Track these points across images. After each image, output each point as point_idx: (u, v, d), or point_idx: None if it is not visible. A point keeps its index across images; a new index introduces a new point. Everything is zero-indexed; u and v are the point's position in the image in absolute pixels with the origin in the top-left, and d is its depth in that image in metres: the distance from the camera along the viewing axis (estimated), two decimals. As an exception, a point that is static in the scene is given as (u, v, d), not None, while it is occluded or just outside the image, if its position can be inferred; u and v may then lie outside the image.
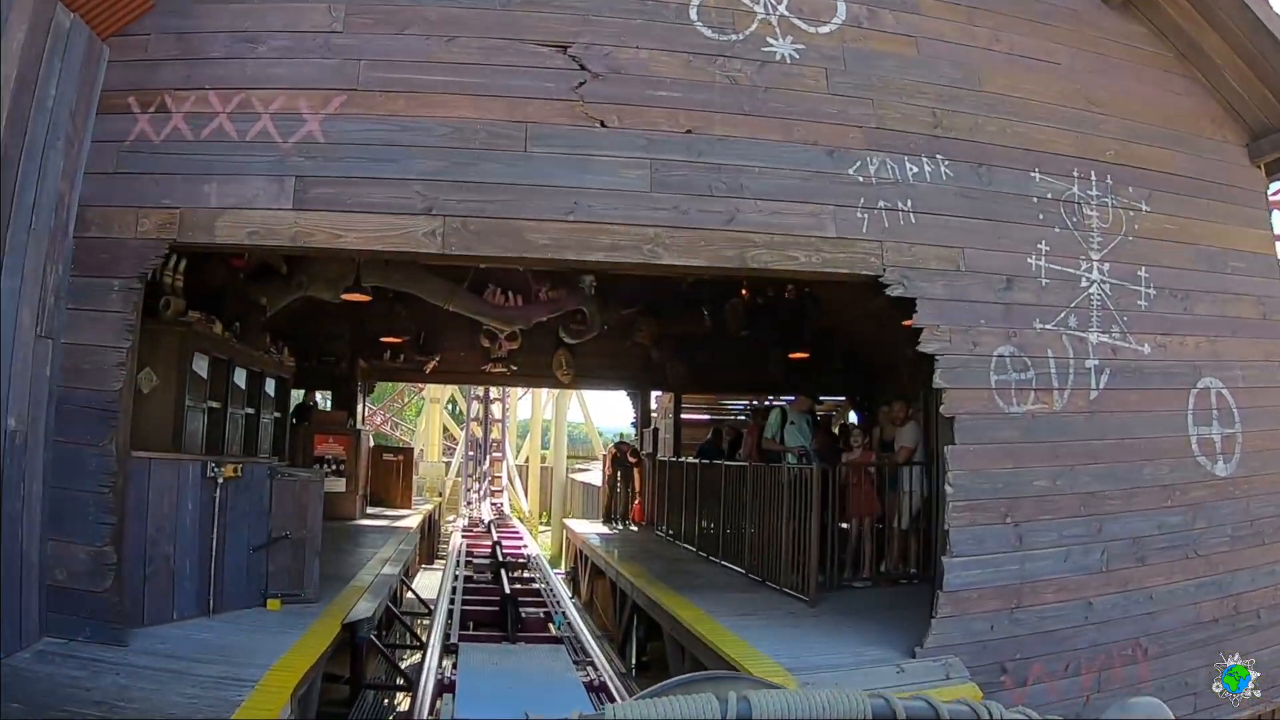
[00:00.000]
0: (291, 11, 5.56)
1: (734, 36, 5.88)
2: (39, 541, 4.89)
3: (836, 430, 11.96)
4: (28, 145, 4.79)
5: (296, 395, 13.78)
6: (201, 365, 7.51)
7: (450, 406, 31.95)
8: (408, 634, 9.69)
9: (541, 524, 26.94)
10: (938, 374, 5.89)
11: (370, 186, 5.30)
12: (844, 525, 8.29)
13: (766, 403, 14.98)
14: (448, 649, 7.26)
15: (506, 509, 27.18)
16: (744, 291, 13.17)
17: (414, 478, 19.10)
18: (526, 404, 31.47)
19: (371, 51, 5.52)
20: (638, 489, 14.78)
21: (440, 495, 25.46)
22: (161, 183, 5.35)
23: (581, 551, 13.83)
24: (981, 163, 6.27)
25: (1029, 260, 6.28)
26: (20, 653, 4.65)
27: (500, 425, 30.73)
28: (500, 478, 30.08)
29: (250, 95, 5.44)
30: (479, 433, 30.52)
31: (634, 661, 9.21)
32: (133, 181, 5.36)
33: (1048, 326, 6.27)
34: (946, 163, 6.18)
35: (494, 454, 30.40)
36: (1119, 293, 6.52)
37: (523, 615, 8.71)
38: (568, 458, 27.88)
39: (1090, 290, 6.46)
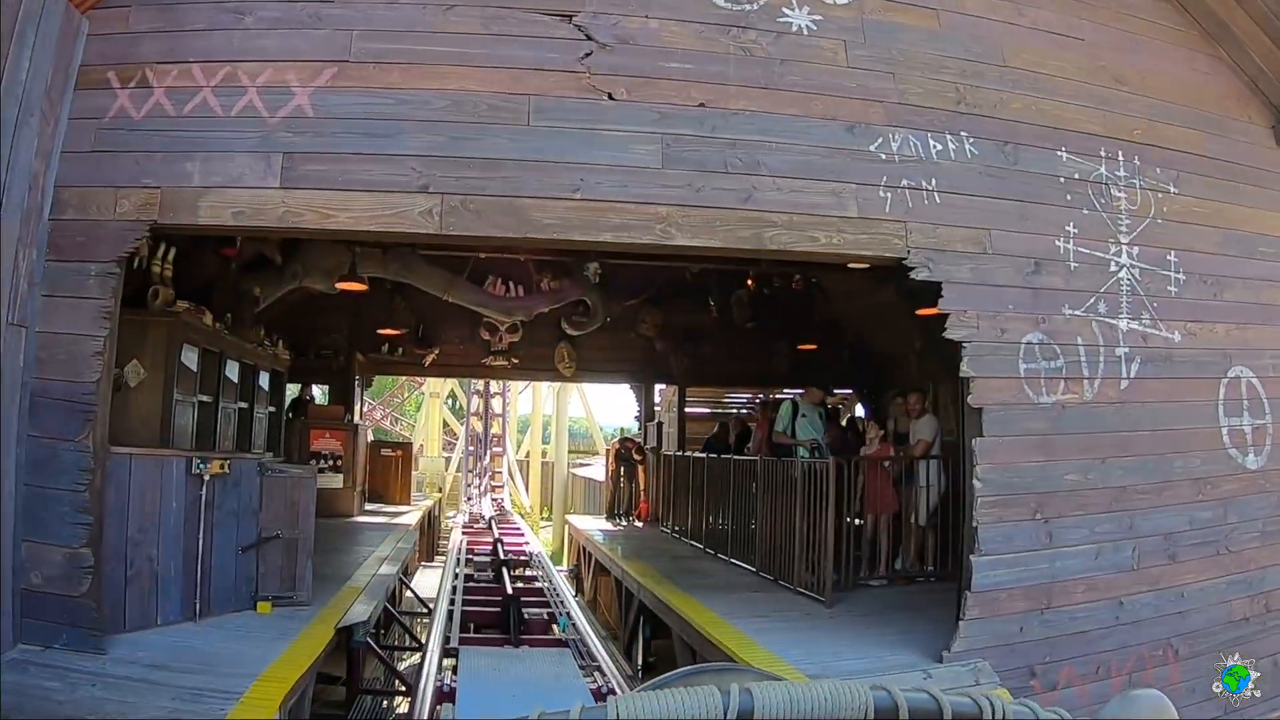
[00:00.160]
0: (280, -21, 5.23)
1: (748, 6, 5.55)
2: (12, 543, 4.58)
3: (844, 423, 11.70)
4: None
5: (292, 390, 13.57)
6: (191, 358, 7.23)
7: (450, 401, 31.73)
8: (406, 635, 9.37)
9: (543, 519, 26.72)
10: (964, 362, 5.59)
11: (363, 163, 4.97)
12: (854, 521, 7.98)
13: (773, 397, 14.82)
14: (447, 653, 6.96)
15: (507, 505, 26.91)
16: (750, 282, 12.93)
17: (413, 473, 18.84)
18: (526, 399, 31.28)
19: (364, 21, 5.19)
20: (642, 485, 14.47)
21: (440, 491, 25.22)
22: (142, 161, 5.05)
23: (585, 548, 13.54)
24: (1007, 141, 5.99)
25: (1057, 243, 6.01)
26: (-9, 661, 4.34)
27: (500, 420, 30.50)
28: (501, 473, 29.89)
29: (236, 68, 5.13)
30: (479, 427, 30.28)
31: (641, 662, 8.91)
32: (111, 160, 5.07)
33: (1077, 312, 5.99)
34: (971, 140, 5.90)
35: (494, 449, 30.18)
36: (1148, 278, 6.26)
37: (526, 617, 8.38)
38: (569, 452, 27.68)
39: (1120, 275, 6.20)
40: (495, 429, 30.47)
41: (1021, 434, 5.71)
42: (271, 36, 5.18)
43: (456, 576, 11.32)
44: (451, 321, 13.67)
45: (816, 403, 8.90)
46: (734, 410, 16.23)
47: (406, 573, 11.01)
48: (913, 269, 5.57)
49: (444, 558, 15.09)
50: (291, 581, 6.11)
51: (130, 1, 5.19)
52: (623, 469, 14.60)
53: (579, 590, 13.26)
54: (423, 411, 30.97)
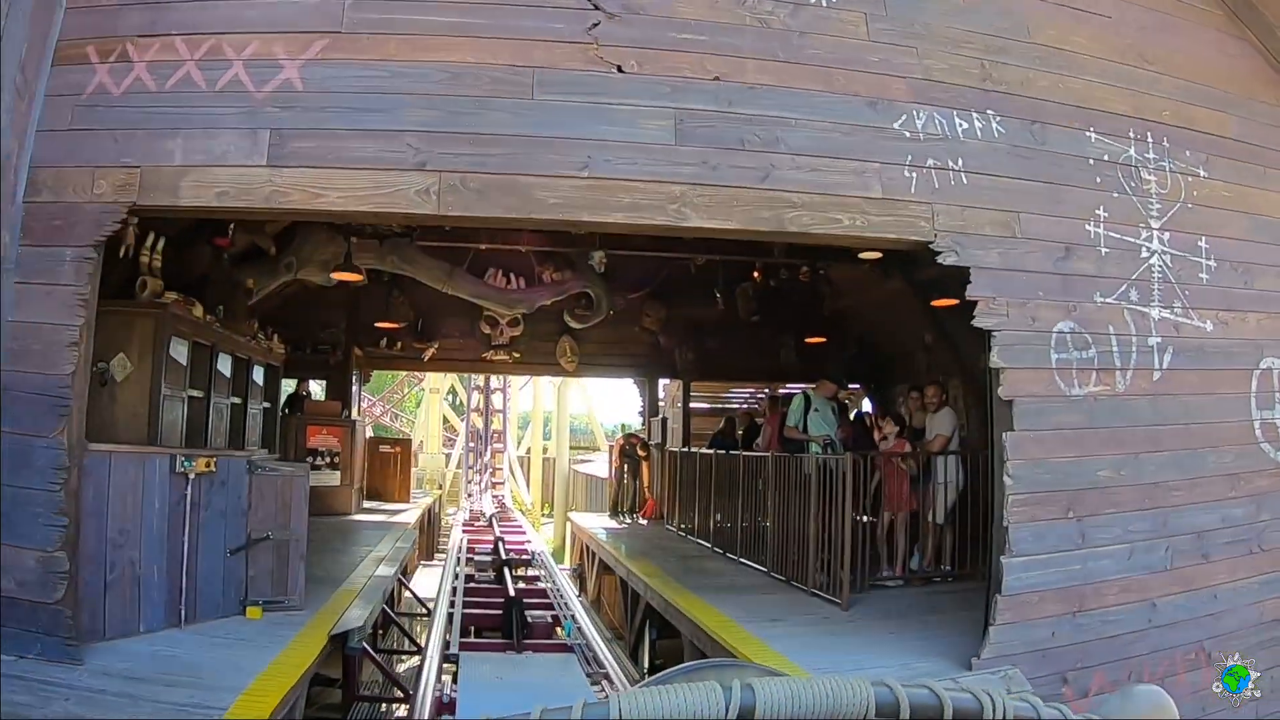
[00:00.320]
0: (268, -53, 4.92)
1: (764, -24, 5.23)
2: (-18, 547, 4.28)
3: (850, 417, 11.41)
4: (-29, 101, 4.20)
5: (289, 385, 13.31)
6: (180, 351, 6.98)
7: (451, 398, 31.49)
8: (405, 638, 9.05)
9: (544, 516, 26.49)
10: (994, 352, 5.30)
11: (356, 140, 4.65)
12: (864, 518, 7.68)
13: (779, 392, 14.58)
14: (447, 659, 6.66)
15: (508, 501, 26.64)
16: (756, 274, 12.69)
17: (413, 470, 18.55)
18: (527, 395, 31.05)
19: (358, -11, 4.88)
20: (646, 482, 14.17)
21: (440, 487, 24.96)
22: (121, 139, 4.76)
23: (588, 547, 13.24)
24: (1034, 120, 5.72)
25: (1087, 227, 5.74)
26: (-41, 674, 4.04)
27: (501, 416, 30.28)
28: (501, 469, 29.67)
29: (221, 41, 4.83)
30: (479, 424, 30.05)
31: (647, 664, 8.62)
32: (89, 139, 4.78)
33: (1109, 300, 5.72)
34: (998, 119, 5.63)
35: (495, 445, 29.97)
36: (1180, 264, 5.99)
37: (528, 620, 8.07)
38: (570, 448, 27.44)
39: (1151, 261, 5.93)
40: (496, 425, 30.26)
41: (1053, 428, 5.43)
42: (259, 6, 4.91)
43: (456, 577, 11.01)
44: (451, 315, 13.41)
45: (830, 396, 8.58)
46: (735, 406, 16.03)
47: (405, 572, 10.71)
48: (940, 254, 5.27)
49: (444, 555, 14.79)
50: (283, 585, 5.80)
51: (111, -28, 4.89)
52: (627, 465, 14.29)
53: (582, 590, 12.97)
54: (423, 408, 30.71)
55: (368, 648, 6.15)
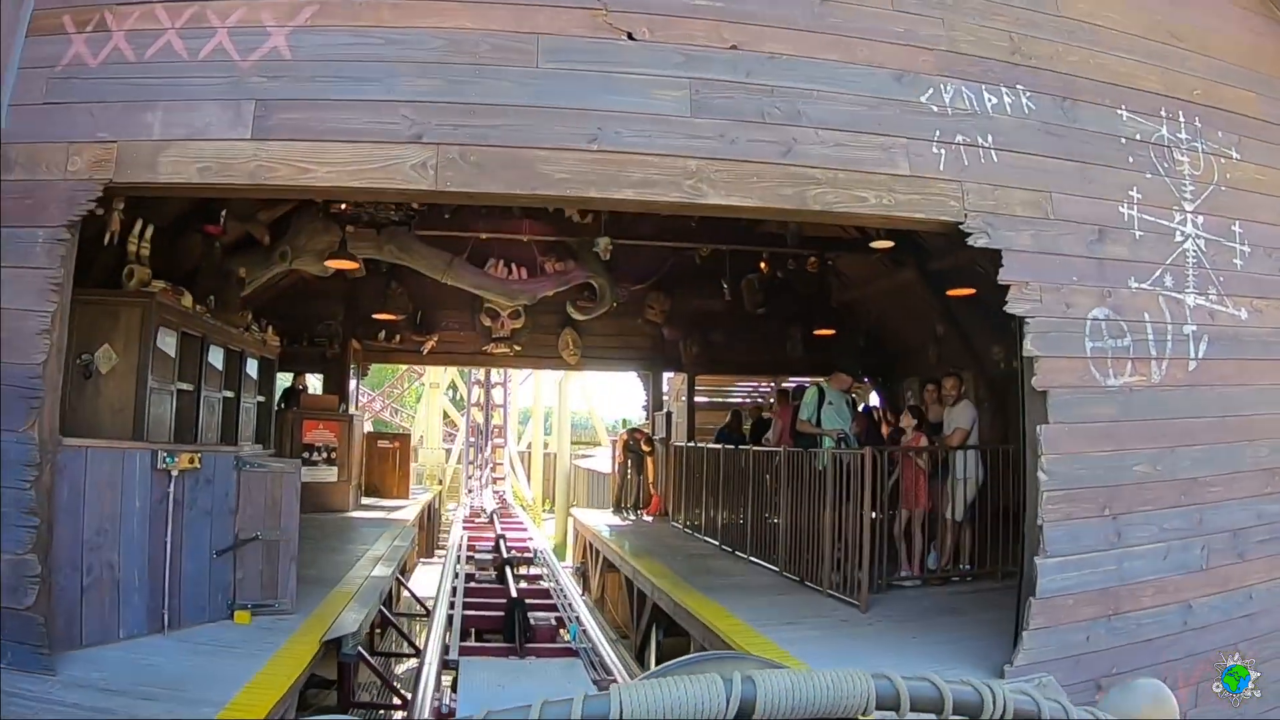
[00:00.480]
0: (254, -94, 4.59)
1: (783, -61, 4.91)
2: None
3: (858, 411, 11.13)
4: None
5: (286, 379, 13.03)
6: (169, 342, 6.70)
7: (451, 392, 31.23)
8: (404, 640, 8.75)
9: (545, 511, 26.23)
10: (1028, 340, 4.99)
11: (347, 110, 4.32)
12: (874, 515, 7.39)
13: (782, 385, 14.32)
14: (446, 665, 6.35)
15: (509, 497, 26.36)
16: (763, 264, 12.44)
17: (412, 465, 18.24)
18: (527, 390, 30.79)
19: (350, -49, 4.56)
20: (651, 478, 13.88)
21: (440, 483, 24.67)
22: (97, 113, 4.45)
23: (591, 544, 12.93)
24: (1065, 96, 5.43)
25: (1120, 209, 5.44)
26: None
27: (502, 410, 30.03)
28: (502, 465, 29.42)
29: (204, 7, 4.53)
30: (480, 418, 29.80)
31: (654, 666, 8.30)
32: (64, 113, 4.49)
33: (1143, 286, 5.43)
34: (1028, 94, 5.34)
35: (495, 440, 29.72)
36: (1214, 249, 5.70)
37: (531, 622, 7.74)
38: (571, 443, 27.17)
39: (1185, 245, 5.64)
40: (496, 420, 30.03)
41: (1089, 420, 5.13)
42: (244, -29, 4.57)
43: (456, 576, 10.69)
44: (451, 306, 13.15)
45: (844, 389, 8.25)
46: (736, 400, 15.76)
47: (404, 571, 10.41)
48: (970, 235, 4.95)
49: (444, 552, 14.49)
50: (273, 588, 5.48)
51: (89, -62, 4.58)
52: (630, 461, 13.97)
53: (586, 589, 12.67)
54: (423, 402, 30.45)
55: (363, 652, 5.84)
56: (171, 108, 4.40)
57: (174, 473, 5.01)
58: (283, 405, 12.03)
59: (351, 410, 13.55)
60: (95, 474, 4.66)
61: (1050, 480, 4.94)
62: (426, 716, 5.28)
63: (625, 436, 14.68)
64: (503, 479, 28.86)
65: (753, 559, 8.73)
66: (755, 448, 9.84)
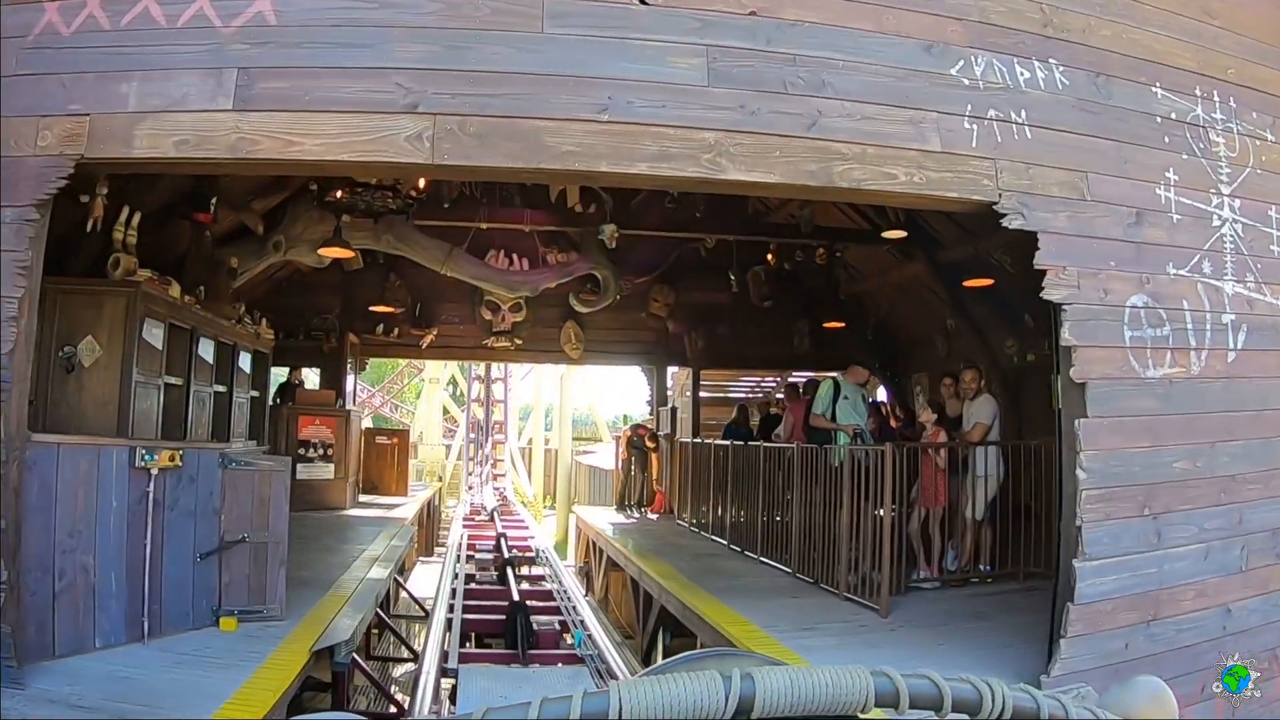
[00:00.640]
0: None
1: (804, -100, 4.59)
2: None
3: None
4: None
5: (282, 373, 12.75)
6: (155, 334, 6.40)
7: (451, 388, 30.94)
8: (401, 645, 8.44)
9: (546, 508, 25.96)
10: (1065, 328, 4.67)
11: (336, 78, 3.99)
12: (881, 513, 7.09)
13: (790, 379, 14.05)
14: (445, 672, 6.05)
15: (510, 494, 26.06)
16: (770, 256, 12.13)
17: (412, 462, 17.93)
18: (528, 386, 30.50)
19: (340, -91, 4.23)
20: (655, 475, 13.58)
21: (440, 480, 24.39)
22: (69, 84, 4.13)
23: (594, 543, 12.62)
24: (1099, 72, 5.12)
25: (1157, 191, 5.15)
26: None
27: (502, 406, 29.74)
28: (502, 461, 29.13)
29: (184, -29, 4.19)
30: (480, 414, 29.51)
31: (661, 669, 7.99)
32: (35, 85, 4.17)
33: (1181, 272, 5.14)
34: (1061, 69, 5.04)
35: (496, 436, 29.43)
36: (1251, 235, 5.40)
37: (534, 627, 7.42)
38: (572, 440, 26.88)
39: (1223, 230, 5.36)
40: (497, 415, 29.75)
41: (1128, 414, 4.82)
42: (227, -70, 4.24)
43: (456, 577, 10.37)
44: (451, 299, 12.86)
45: (860, 383, 7.93)
46: (738, 396, 15.44)
47: (402, 571, 10.11)
48: (1005, 216, 4.64)
49: (444, 550, 14.18)
50: (261, 593, 5.16)
51: (62, -102, 4.27)
52: (634, 457, 13.66)
53: (589, 589, 12.37)
54: (423, 398, 30.17)
55: (358, 660, 5.54)
56: (148, 78, 4.07)
57: (154, 471, 4.70)
58: (278, 400, 11.76)
59: (349, 406, 13.24)
60: (68, 471, 4.34)
61: (1089, 478, 4.63)
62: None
63: (629, 432, 14.38)
64: (503, 475, 28.59)
65: (763, 559, 8.43)
66: (766, 444, 9.53)
